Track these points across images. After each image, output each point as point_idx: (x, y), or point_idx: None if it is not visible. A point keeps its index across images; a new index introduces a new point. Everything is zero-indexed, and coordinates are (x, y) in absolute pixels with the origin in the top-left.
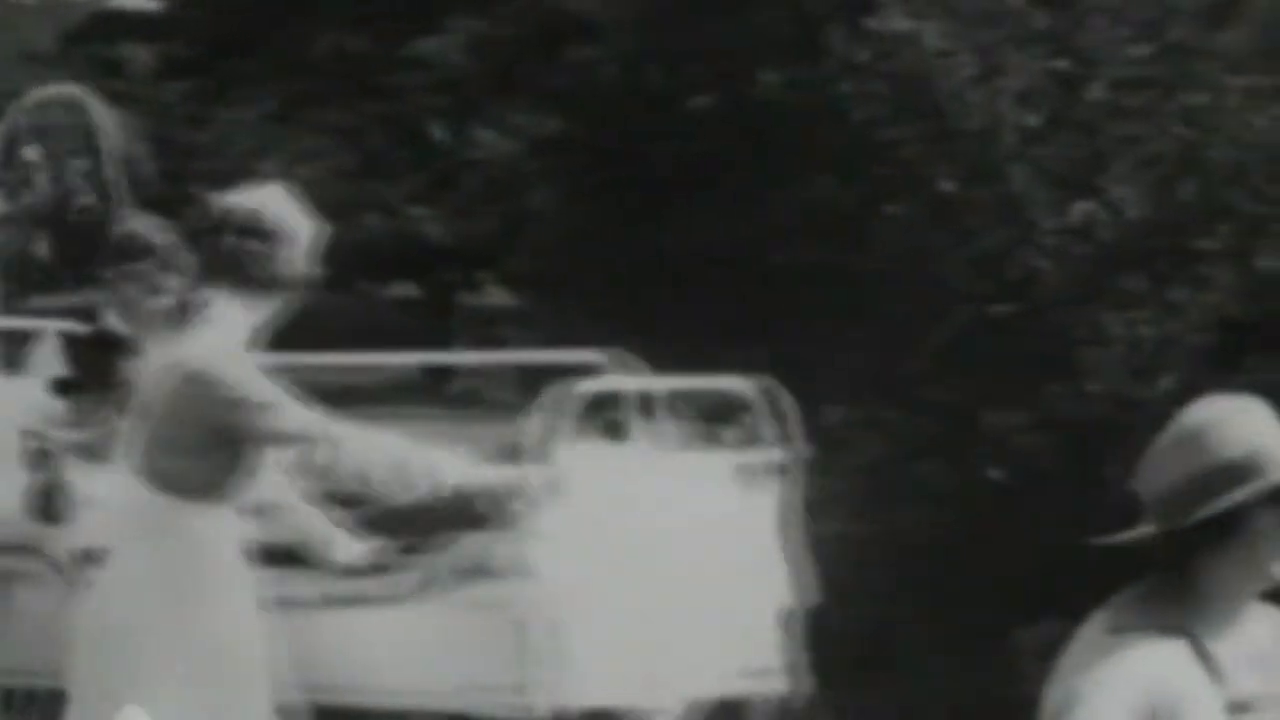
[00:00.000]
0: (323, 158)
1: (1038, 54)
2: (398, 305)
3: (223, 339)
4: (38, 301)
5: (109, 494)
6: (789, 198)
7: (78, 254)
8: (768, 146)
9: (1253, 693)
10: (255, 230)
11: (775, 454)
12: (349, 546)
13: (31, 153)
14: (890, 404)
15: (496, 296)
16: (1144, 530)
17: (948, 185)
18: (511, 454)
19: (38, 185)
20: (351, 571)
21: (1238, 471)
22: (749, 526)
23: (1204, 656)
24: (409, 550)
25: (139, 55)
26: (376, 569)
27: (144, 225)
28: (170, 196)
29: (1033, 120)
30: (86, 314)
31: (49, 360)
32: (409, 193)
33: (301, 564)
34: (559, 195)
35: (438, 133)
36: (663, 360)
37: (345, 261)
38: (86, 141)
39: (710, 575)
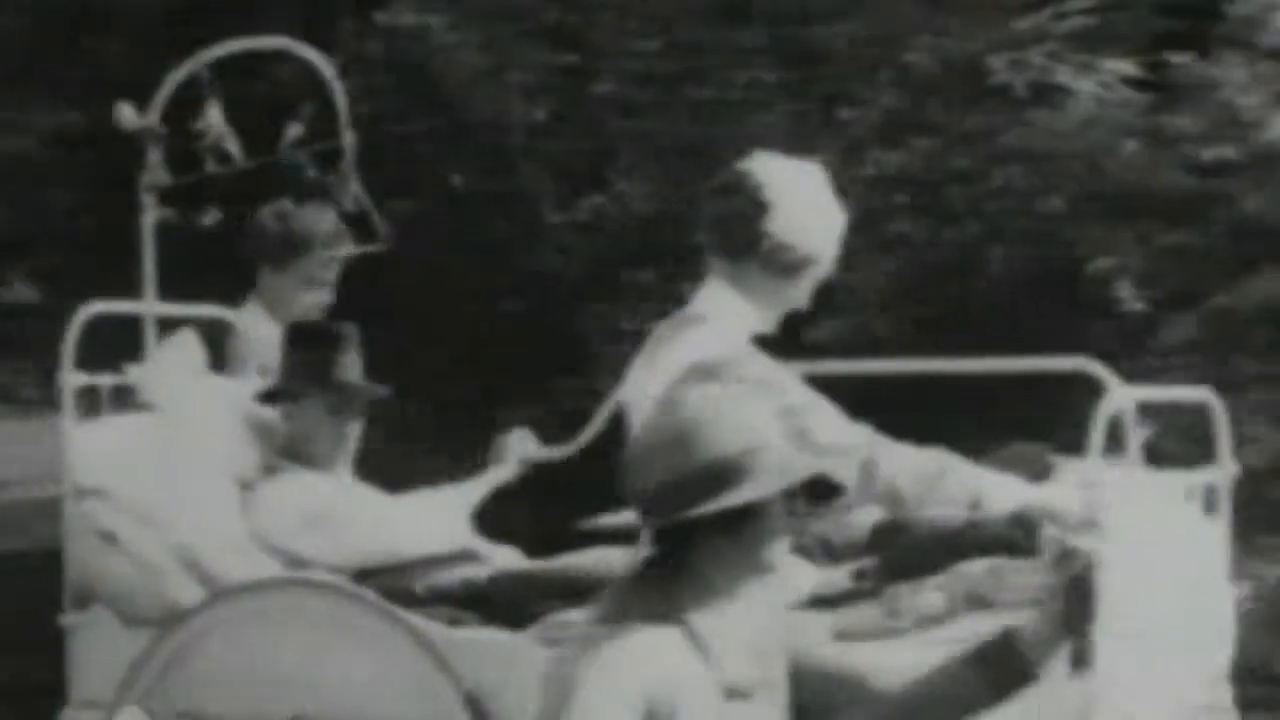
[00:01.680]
0: None
1: (546, 48)
2: None
3: (725, 335)
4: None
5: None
6: None
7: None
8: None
9: (750, 678)
10: (746, 204)
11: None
12: (800, 578)
13: (213, 115)
14: (405, 402)
15: (22, 293)
16: (634, 519)
17: (456, 180)
18: (1036, 472)
19: (225, 153)
20: (821, 602)
21: (734, 468)
22: (1216, 555)
23: (700, 643)
24: (898, 577)
25: None
26: (855, 598)
27: (307, 209)
28: None
29: (541, 114)
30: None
31: (185, 355)
32: None
33: None
34: (80, 191)
35: None
36: None
37: None
38: (302, 102)
39: (1201, 608)
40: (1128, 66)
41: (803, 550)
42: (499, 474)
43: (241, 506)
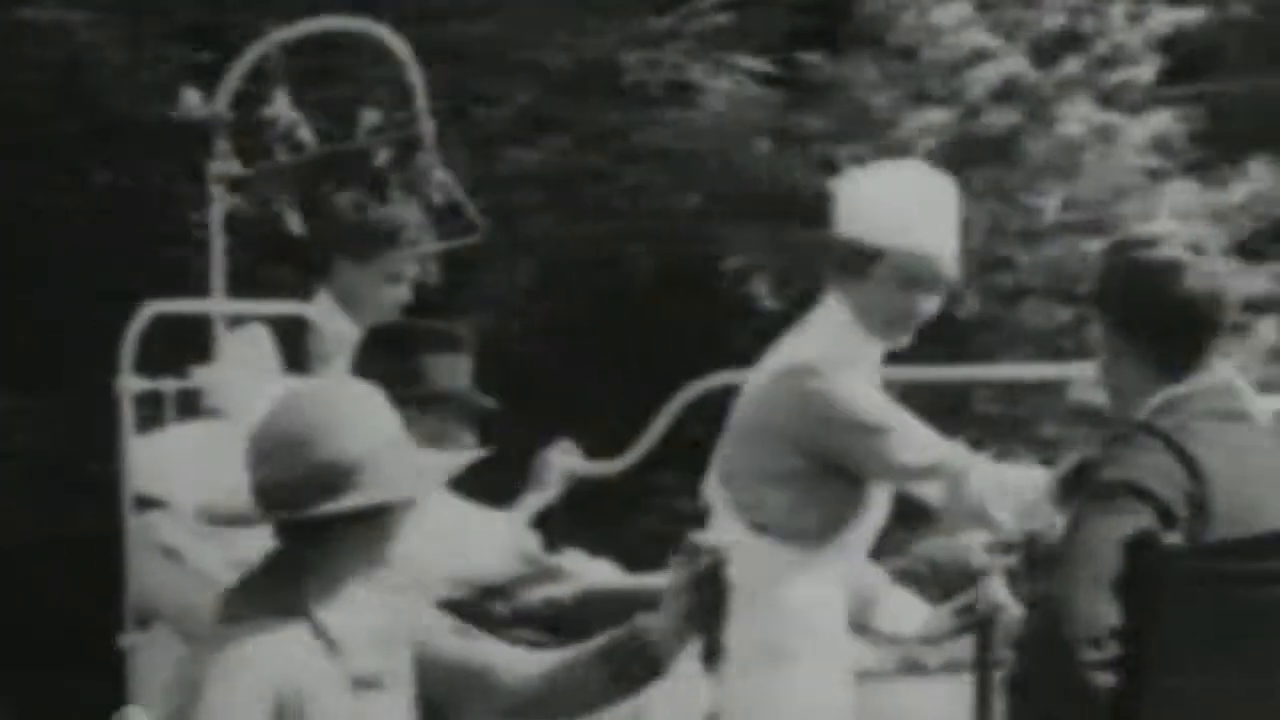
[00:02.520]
0: None
1: (184, 45)
2: None
3: (833, 345)
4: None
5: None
6: None
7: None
8: None
9: (376, 669)
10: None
11: None
12: (907, 612)
13: (281, 104)
14: (46, 393)
15: None
16: (264, 514)
17: (104, 176)
18: None
19: (295, 142)
20: (931, 639)
21: (352, 471)
22: None
23: (326, 636)
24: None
25: None
26: (965, 631)
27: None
28: None
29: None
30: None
31: (254, 351)
32: None
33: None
34: None
35: None
36: None
37: None
38: (377, 88)
39: None
40: (761, 65)
41: (911, 577)
42: (544, 494)
43: None
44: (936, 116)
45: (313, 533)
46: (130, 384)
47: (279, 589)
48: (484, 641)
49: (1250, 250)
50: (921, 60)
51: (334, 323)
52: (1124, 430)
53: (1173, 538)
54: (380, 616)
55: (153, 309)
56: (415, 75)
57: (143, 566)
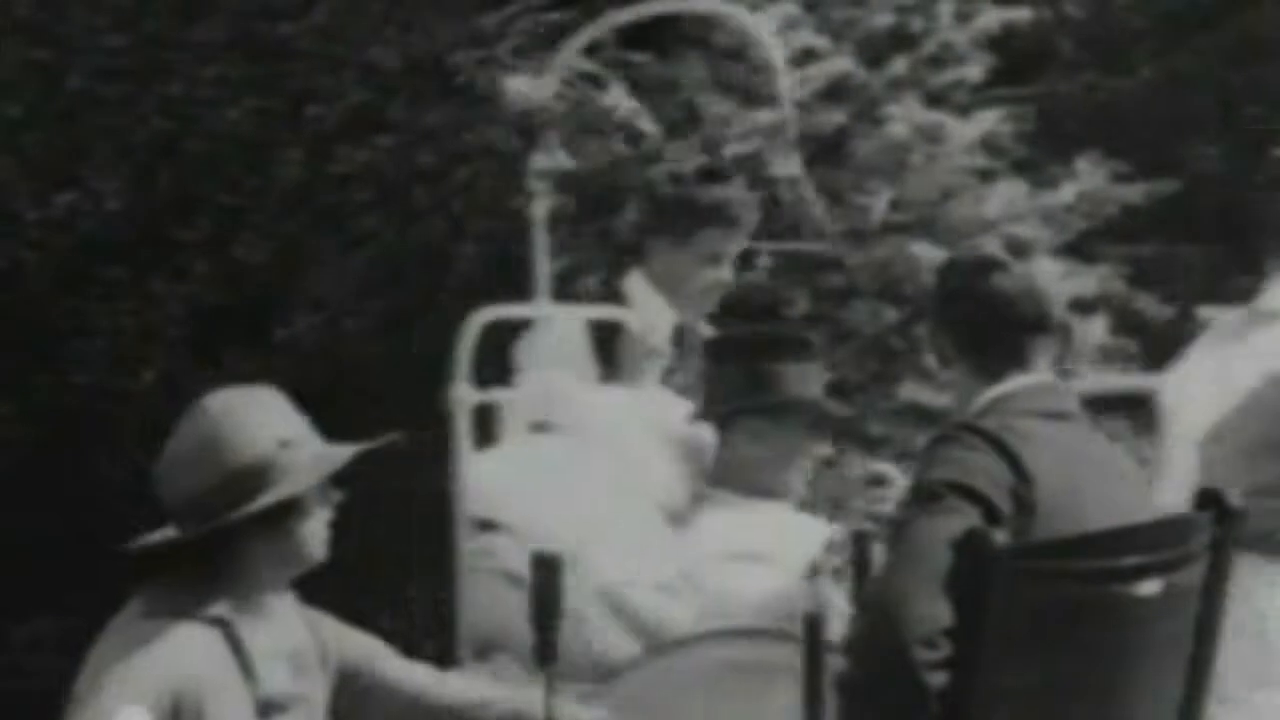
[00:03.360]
0: None
1: (19, 43)
2: None
3: None
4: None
5: None
6: None
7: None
8: None
9: (286, 692)
10: None
11: None
12: None
13: (618, 93)
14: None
15: None
16: (172, 534)
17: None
18: None
19: (636, 132)
20: None
21: (266, 469)
22: None
23: (238, 648)
24: None
25: None
26: None
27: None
28: None
29: (15, 110)
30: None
31: (568, 352)
32: None
33: None
34: None
35: None
36: None
37: None
38: (725, 74)
39: None
40: (591, 65)
41: None
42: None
43: (672, 541)
44: (765, 116)
45: (230, 539)
46: (465, 396)
47: (198, 593)
48: (414, 665)
49: (1080, 250)
50: (750, 60)
51: (649, 306)
52: (949, 431)
53: (999, 536)
54: (297, 637)
55: (483, 316)
56: (777, 60)
57: (479, 594)
